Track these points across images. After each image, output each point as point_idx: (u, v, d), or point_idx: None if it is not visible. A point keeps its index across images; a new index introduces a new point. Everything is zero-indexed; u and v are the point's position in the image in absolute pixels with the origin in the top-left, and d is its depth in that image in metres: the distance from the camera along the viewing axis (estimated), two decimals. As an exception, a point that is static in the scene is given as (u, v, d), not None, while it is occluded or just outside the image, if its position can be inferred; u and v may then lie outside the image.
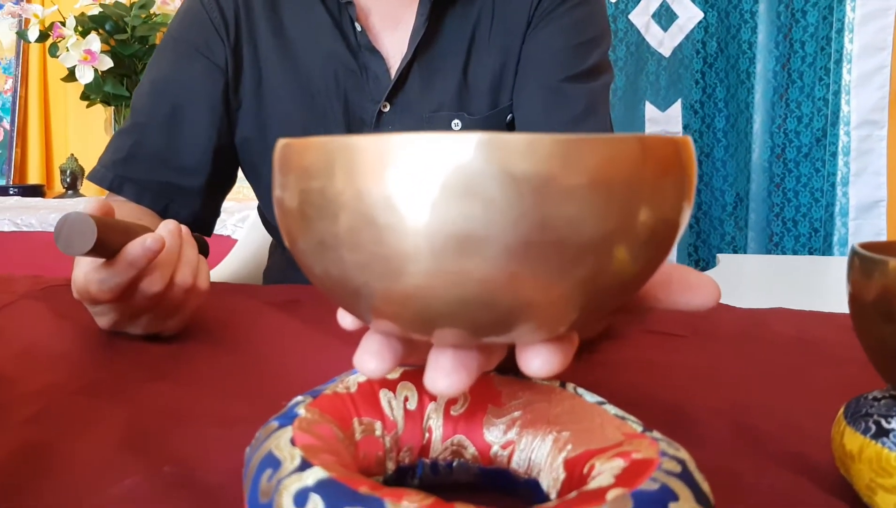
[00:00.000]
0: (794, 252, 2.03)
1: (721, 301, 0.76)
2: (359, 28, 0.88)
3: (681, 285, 0.33)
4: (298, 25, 0.91)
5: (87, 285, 0.55)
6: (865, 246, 0.33)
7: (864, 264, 0.32)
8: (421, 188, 0.21)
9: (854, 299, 0.33)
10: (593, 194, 0.22)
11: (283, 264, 1.08)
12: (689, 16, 2.08)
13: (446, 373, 0.26)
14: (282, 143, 0.26)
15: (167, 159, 0.91)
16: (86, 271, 0.56)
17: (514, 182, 0.21)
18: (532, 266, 0.22)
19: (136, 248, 0.54)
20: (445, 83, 0.90)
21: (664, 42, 2.11)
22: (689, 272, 0.34)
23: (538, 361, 0.26)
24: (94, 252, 0.52)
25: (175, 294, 0.58)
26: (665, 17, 2.11)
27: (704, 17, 2.07)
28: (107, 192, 0.92)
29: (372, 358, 0.27)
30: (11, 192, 2.62)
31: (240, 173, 1.01)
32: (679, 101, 2.10)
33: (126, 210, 0.84)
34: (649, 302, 0.35)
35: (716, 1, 2.07)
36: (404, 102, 0.90)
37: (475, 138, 0.21)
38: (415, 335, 0.26)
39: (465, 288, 0.23)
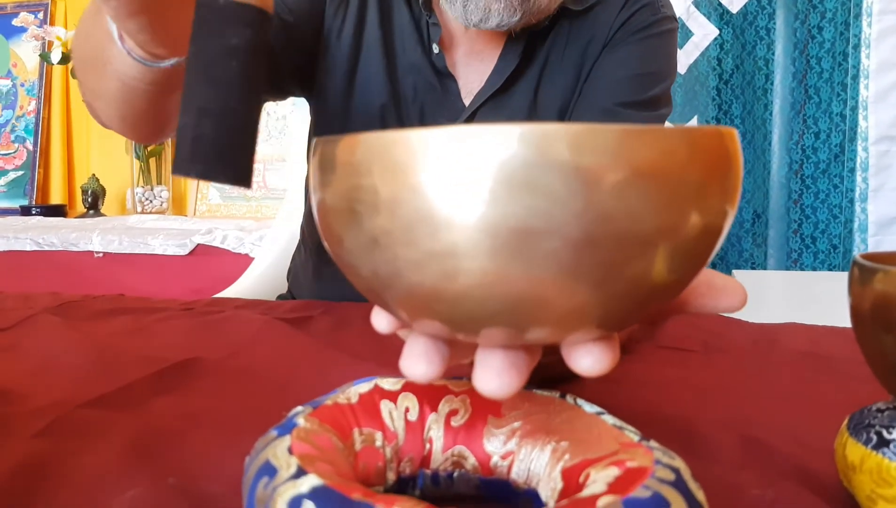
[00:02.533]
0: (814, 269, 2.01)
1: (735, 316, 0.76)
2: (436, 50, 0.89)
3: (708, 289, 0.33)
4: (399, 27, 0.92)
5: None
6: (867, 257, 0.33)
7: (863, 273, 0.31)
8: (481, 181, 0.21)
9: (855, 310, 0.33)
10: (652, 184, 0.22)
11: (308, 261, 1.07)
12: (705, 33, 2.08)
13: (497, 374, 0.25)
14: (322, 141, 0.25)
15: None
16: None
17: (577, 173, 0.21)
18: (592, 260, 0.22)
19: None
20: (517, 104, 0.91)
21: (680, 59, 2.11)
22: (715, 276, 0.34)
23: (589, 359, 0.25)
24: None
25: None
26: (681, 34, 2.11)
27: (720, 34, 2.07)
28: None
29: (420, 361, 0.27)
30: (34, 212, 2.66)
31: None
32: (695, 117, 2.10)
33: None
34: (679, 306, 0.35)
35: (731, 18, 2.07)
36: (477, 121, 0.91)
37: (536, 129, 0.21)
38: (460, 335, 0.25)
39: (523, 284, 0.22)
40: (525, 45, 0.89)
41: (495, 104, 0.90)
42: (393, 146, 0.22)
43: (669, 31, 0.93)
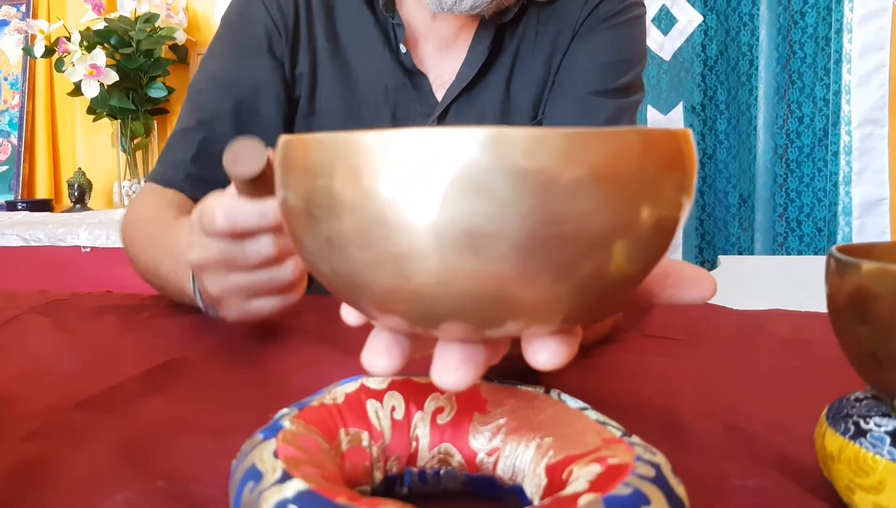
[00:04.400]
0: (799, 252, 2.03)
1: (722, 303, 0.76)
2: (403, 50, 0.89)
3: (677, 280, 0.34)
4: (352, 35, 0.91)
5: (215, 209, 0.51)
6: (843, 249, 0.34)
7: (839, 266, 0.32)
8: (430, 185, 0.21)
9: (831, 302, 0.33)
10: (601, 187, 0.22)
11: None
12: (689, 19, 2.08)
13: (454, 367, 0.26)
14: (284, 140, 0.26)
15: None
16: (221, 195, 0.53)
17: (523, 177, 0.21)
18: (541, 261, 0.22)
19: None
20: (490, 98, 0.91)
21: (665, 46, 2.11)
22: (684, 267, 0.34)
23: (546, 354, 0.26)
24: (252, 183, 0.49)
25: (279, 274, 0.55)
26: (665, 20, 2.11)
27: (704, 21, 2.07)
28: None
29: (380, 356, 0.28)
30: (20, 207, 2.64)
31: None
32: (680, 103, 2.10)
33: (180, 201, 0.83)
34: (648, 298, 0.35)
35: (715, 4, 2.07)
36: (450, 117, 0.91)
37: (483, 134, 0.21)
38: (422, 330, 0.26)
39: (475, 284, 0.23)
40: (494, 38, 0.89)
41: (468, 98, 0.90)
42: (346, 149, 0.23)
43: (637, 17, 0.93)
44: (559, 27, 0.91)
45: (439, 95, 0.90)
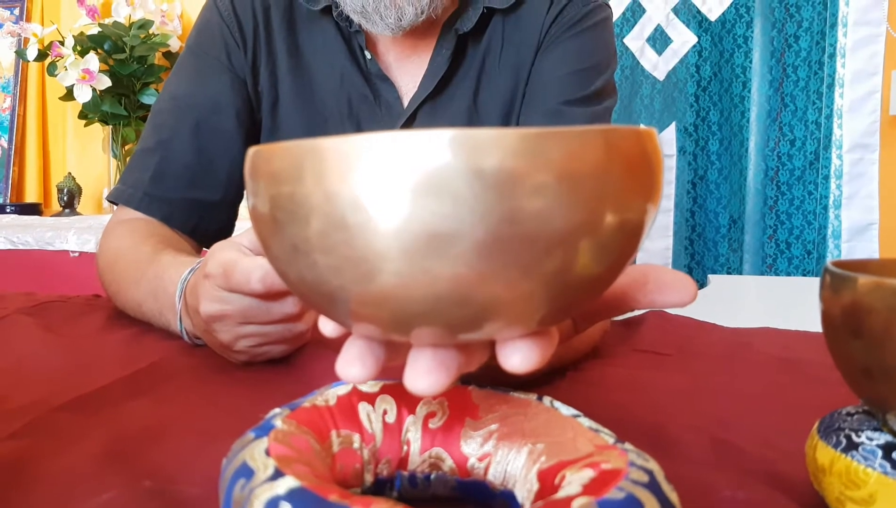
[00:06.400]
0: (788, 274, 2.04)
1: (711, 321, 0.76)
2: (369, 56, 0.88)
3: (657, 285, 0.34)
4: (314, 47, 0.90)
5: (250, 270, 0.50)
6: (838, 264, 0.34)
7: (834, 280, 0.32)
8: (388, 188, 0.21)
9: (826, 316, 0.33)
10: (560, 187, 0.22)
11: None
12: (684, 40, 2.10)
13: (425, 372, 0.26)
14: (252, 150, 0.26)
15: (196, 176, 0.88)
16: (240, 251, 0.53)
17: (481, 178, 0.21)
18: (502, 261, 0.22)
19: None
20: (456, 109, 0.90)
21: (658, 66, 2.12)
22: (664, 272, 0.35)
23: (518, 357, 0.26)
24: None
25: (295, 328, 0.57)
26: (659, 40, 2.12)
27: (698, 42, 2.09)
28: (104, 208, 0.91)
29: (353, 364, 0.27)
30: (8, 210, 2.63)
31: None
32: (673, 124, 2.11)
33: (150, 230, 0.84)
34: (628, 303, 0.35)
35: (710, 25, 2.09)
36: (416, 127, 0.90)
37: (439, 135, 0.21)
38: (393, 335, 0.26)
39: (438, 286, 0.23)
40: (458, 48, 0.88)
41: (434, 109, 0.89)
42: (307, 154, 0.23)
43: (603, 20, 0.92)
44: (524, 37, 0.90)
45: (405, 104, 0.90)
